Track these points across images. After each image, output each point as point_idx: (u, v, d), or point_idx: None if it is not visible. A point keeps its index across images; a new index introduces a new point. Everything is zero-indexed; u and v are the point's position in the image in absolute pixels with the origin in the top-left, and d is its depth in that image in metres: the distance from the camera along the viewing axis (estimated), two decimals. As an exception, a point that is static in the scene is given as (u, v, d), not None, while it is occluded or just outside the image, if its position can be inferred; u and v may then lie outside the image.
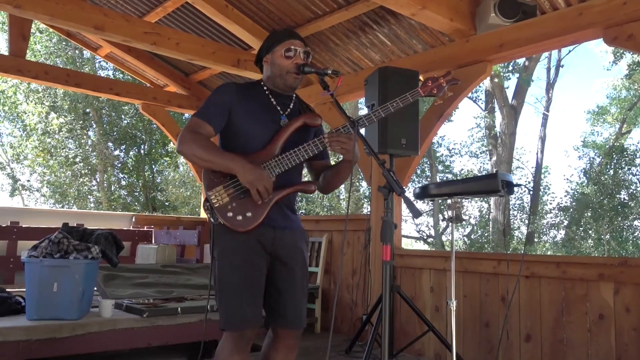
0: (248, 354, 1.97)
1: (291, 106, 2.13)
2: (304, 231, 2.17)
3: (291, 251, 2.05)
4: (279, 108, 2.08)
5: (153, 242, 5.70)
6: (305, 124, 2.05)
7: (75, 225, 4.04)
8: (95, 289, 3.60)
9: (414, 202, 1.73)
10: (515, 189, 2.99)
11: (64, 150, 15.02)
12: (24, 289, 3.26)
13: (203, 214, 6.72)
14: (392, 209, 1.97)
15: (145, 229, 5.92)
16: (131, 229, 5.94)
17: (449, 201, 2.87)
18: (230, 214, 1.89)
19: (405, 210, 4.66)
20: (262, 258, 1.97)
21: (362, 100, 4.48)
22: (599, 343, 3.15)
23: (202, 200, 2.01)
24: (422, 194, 3.17)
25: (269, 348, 2.09)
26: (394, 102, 1.96)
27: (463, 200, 2.83)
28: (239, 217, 1.89)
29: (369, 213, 4.66)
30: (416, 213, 1.68)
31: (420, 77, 2.01)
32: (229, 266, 1.93)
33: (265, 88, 2.11)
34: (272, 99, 2.09)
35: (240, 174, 1.88)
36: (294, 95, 2.17)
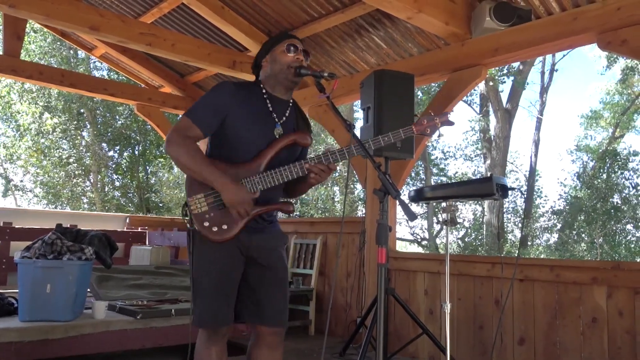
0: (223, 345, 2.09)
1: (287, 114, 2.11)
2: (282, 233, 2.20)
3: (267, 253, 2.09)
4: (274, 115, 2.07)
5: (147, 243, 5.68)
6: (295, 143, 2.07)
7: (68, 226, 4.03)
8: (88, 290, 3.59)
9: (409, 205, 1.73)
10: (509, 192, 3.00)
11: (58, 150, 14.96)
12: (17, 290, 3.24)
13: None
14: (387, 211, 1.97)
15: (139, 230, 5.90)
16: (125, 230, 5.92)
17: (443, 204, 2.88)
18: (206, 224, 1.94)
19: (399, 213, 4.66)
20: (238, 261, 2.03)
21: (357, 103, 4.49)
22: (592, 346, 3.16)
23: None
24: (417, 196, 3.18)
25: (253, 349, 2.15)
26: (385, 137, 1.99)
27: (458, 204, 2.84)
28: (214, 228, 1.94)
29: (363, 215, 4.67)
30: (411, 216, 1.69)
31: (416, 114, 2.02)
32: (204, 269, 2.00)
33: (264, 91, 2.09)
34: (270, 105, 2.07)
35: (223, 193, 1.91)
36: (291, 102, 2.16)
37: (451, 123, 2.04)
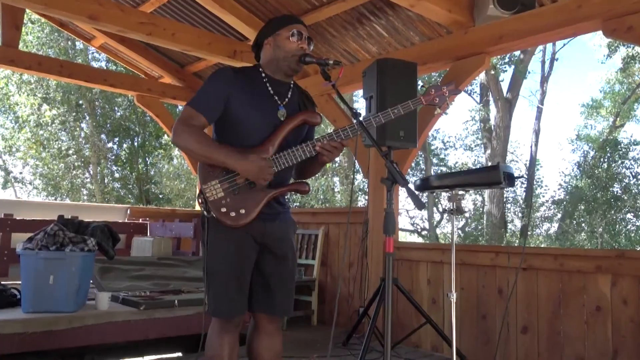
0: (236, 335, 2.08)
1: (289, 95, 2.10)
2: (293, 221, 2.19)
3: (281, 242, 2.08)
4: (276, 98, 2.06)
5: (148, 234, 5.66)
6: (305, 122, 2.05)
7: (70, 217, 4.01)
8: (91, 281, 3.58)
9: (418, 194, 1.71)
10: (515, 181, 2.98)
11: (57, 142, 14.92)
12: (18, 282, 3.23)
13: (199, 207, 6.68)
14: (392, 200, 1.95)
15: (140, 221, 5.89)
16: (126, 221, 5.90)
17: (448, 193, 2.86)
18: (224, 210, 1.92)
19: (400, 203, 4.64)
20: (251, 249, 2.02)
21: (357, 92, 4.46)
22: (596, 335, 3.16)
23: (197, 192, 2.00)
24: (423, 186, 3.15)
25: (252, 337, 2.15)
26: (395, 109, 1.96)
27: (464, 193, 2.82)
28: (232, 214, 1.92)
29: (364, 205, 4.65)
30: (420, 205, 1.67)
31: (423, 85, 1.99)
32: (219, 257, 1.99)
33: (263, 75, 2.07)
34: (270, 88, 2.06)
35: (238, 166, 1.90)
36: (292, 84, 2.14)
37: (458, 91, 2.03)
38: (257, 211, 1.95)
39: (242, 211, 1.93)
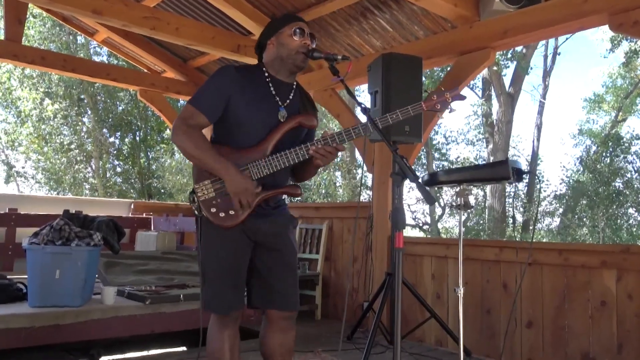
0: (235, 329, 2.10)
1: (291, 97, 2.10)
2: (291, 216, 2.18)
3: (275, 238, 2.08)
4: (277, 99, 2.05)
5: (152, 229, 5.67)
6: (300, 125, 2.05)
7: (74, 212, 4.01)
8: (96, 276, 3.59)
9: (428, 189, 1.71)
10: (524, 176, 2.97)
11: (59, 136, 14.93)
12: (23, 276, 3.24)
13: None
14: (401, 195, 1.95)
15: (144, 216, 5.89)
16: (130, 216, 5.91)
17: (455, 189, 2.85)
18: (213, 210, 1.94)
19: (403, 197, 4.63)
20: (245, 245, 2.03)
21: (358, 87, 4.43)
22: (600, 330, 3.17)
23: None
24: (431, 181, 3.15)
25: (265, 332, 2.15)
26: (393, 114, 1.94)
27: (471, 188, 2.82)
28: (222, 214, 1.94)
29: (366, 200, 4.64)
30: (430, 199, 1.67)
31: (426, 90, 1.95)
32: (212, 254, 2.01)
33: (266, 74, 2.07)
34: (272, 88, 2.05)
35: (227, 182, 1.92)
36: (294, 85, 2.14)
37: (463, 97, 2.01)
38: (246, 212, 1.96)
39: (232, 212, 1.94)
